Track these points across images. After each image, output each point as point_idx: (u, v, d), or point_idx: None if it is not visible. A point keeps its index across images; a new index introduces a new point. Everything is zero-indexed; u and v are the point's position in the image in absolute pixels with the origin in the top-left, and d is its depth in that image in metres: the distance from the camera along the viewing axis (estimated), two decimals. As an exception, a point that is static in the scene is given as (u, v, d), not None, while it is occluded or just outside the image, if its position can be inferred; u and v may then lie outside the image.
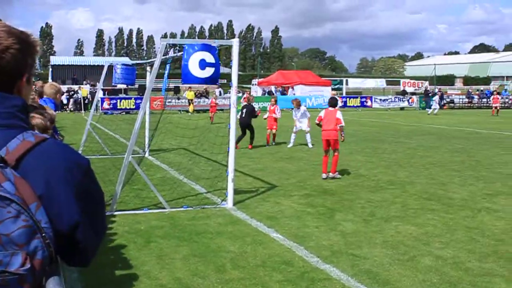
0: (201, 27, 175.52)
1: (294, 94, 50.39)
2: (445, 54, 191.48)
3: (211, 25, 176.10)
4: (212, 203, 10.58)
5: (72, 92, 43.33)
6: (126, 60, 54.64)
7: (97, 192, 1.82)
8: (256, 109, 20.39)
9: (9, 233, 1.52)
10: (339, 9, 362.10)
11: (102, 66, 18.73)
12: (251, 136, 19.48)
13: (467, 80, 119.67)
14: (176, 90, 53.49)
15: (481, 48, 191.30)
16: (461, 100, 54.79)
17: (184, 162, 15.66)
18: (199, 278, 6.59)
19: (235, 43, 10.35)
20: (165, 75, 12.51)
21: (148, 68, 17.40)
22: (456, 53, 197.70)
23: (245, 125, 19.48)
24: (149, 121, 17.23)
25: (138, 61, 34.70)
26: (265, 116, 20.94)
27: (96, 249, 1.82)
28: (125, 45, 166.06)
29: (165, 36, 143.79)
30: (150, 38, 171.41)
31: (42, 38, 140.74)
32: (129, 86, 38.77)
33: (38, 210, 1.59)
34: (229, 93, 11.48)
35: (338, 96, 30.05)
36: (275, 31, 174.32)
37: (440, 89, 59.60)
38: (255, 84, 57.96)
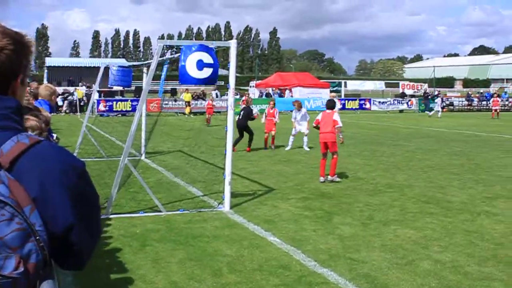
0: (199, 28, 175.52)
1: (291, 96, 50.42)
2: (444, 56, 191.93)
3: (209, 27, 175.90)
4: (209, 206, 10.57)
5: (67, 94, 43.27)
6: (122, 61, 54.61)
7: (92, 194, 1.81)
8: (254, 112, 20.36)
9: (3, 236, 1.52)
10: (337, 10, 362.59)
11: (98, 68, 18.73)
12: (250, 139, 19.45)
13: (467, 83, 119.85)
14: (173, 92, 53.49)
15: (481, 50, 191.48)
16: (460, 102, 54.89)
17: (180, 165, 15.65)
18: (195, 282, 6.58)
19: (232, 44, 10.36)
20: (162, 77, 12.51)
21: (144, 70, 17.38)
22: (456, 55, 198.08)
23: (242, 127, 19.46)
24: (145, 123, 17.23)
25: (134, 63, 34.71)
26: (263, 120, 20.83)
27: (91, 252, 1.81)
28: (121, 46, 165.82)
29: (162, 37, 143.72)
30: (147, 40, 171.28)
31: (37, 39, 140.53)
32: (126, 88, 38.76)
33: (32, 213, 1.58)
34: (227, 95, 11.48)
35: (337, 99, 29.99)
36: (273, 32, 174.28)
37: (439, 91, 59.62)
38: (253, 86, 57.98)
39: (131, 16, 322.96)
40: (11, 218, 1.53)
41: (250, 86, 60.86)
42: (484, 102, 54.57)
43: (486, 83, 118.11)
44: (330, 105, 13.97)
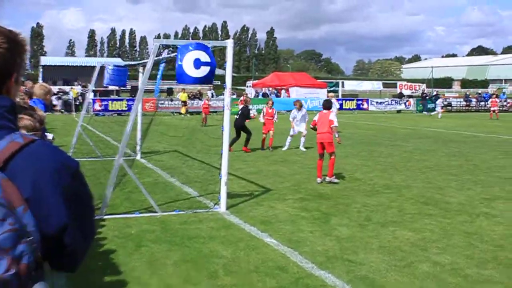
0: (195, 28, 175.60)
1: (288, 96, 50.46)
2: (442, 57, 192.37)
3: (205, 26, 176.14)
4: (205, 207, 10.54)
5: (61, 93, 43.22)
6: (118, 61, 54.72)
7: (86, 195, 1.80)
8: (251, 112, 20.32)
9: (-5, 237, 1.51)
10: (335, 10, 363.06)
11: (94, 67, 18.69)
12: (247, 138, 19.41)
13: (465, 83, 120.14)
14: (169, 91, 53.51)
15: (479, 50, 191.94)
16: (458, 103, 55.03)
17: (176, 165, 15.63)
18: (191, 285, 6.54)
19: (229, 44, 10.34)
20: (158, 76, 12.47)
21: (140, 69, 17.37)
22: (454, 55, 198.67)
23: (239, 127, 19.44)
24: (141, 123, 17.19)
25: (130, 62, 34.66)
26: (262, 120, 20.74)
27: (85, 253, 1.80)
28: (117, 45, 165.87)
29: (158, 36, 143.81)
30: (143, 39, 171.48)
31: (33, 38, 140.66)
32: (121, 88, 38.76)
33: (25, 213, 1.57)
34: (223, 95, 11.46)
35: (335, 99, 30.02)
36: (270, 32, 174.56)
37: (437, 91, 59.74)
38: (250, 86, 58.01)
39: (127, 15, 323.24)
40: (4, 219, 1.51)
41: (247, 86, 60.89)
42: (482, 103, 54.71)
43: (484, 83, 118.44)
44: (327, 105, 13.96)
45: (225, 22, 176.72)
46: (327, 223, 9.53)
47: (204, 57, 9.89)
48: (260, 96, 49.90)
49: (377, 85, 68.02)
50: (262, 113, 20.98)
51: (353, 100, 50.80)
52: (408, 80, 76.70)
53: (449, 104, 53.48)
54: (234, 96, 44.51)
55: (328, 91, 51.51)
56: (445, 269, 7.11)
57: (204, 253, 7.73)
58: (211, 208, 10.42)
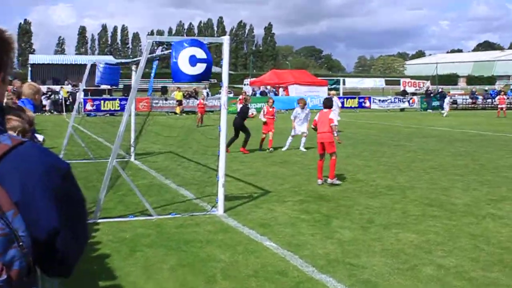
0: (190, 24, 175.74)
1: (286, 94, 50.43)
2: (447, 52, 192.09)
3: (201, 22, 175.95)
4: (202, 210, 10.56)
5: (50, 93, 43.17)
6: (110, 58, 54.54)
7: (77, 197, 1.80)
8: (250, 112, 20.23)
9: (-16, 243, 1.52)
10: (336, 5, 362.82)
11: (85, 65, 18.72)
12: (245, 139, 19.37)
13: (471, 80, 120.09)
14: (164, 90, 53.45)
15: (486, 45, 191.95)
16: (464, 100, 55.01)
17: (172, 166, 15.64)
18: (188, 289, 6.58)
19: (225, 40, 10.36)
20: (152, 75, 12.48)
21: (133, 68, 17.37)
22: (459, 51, 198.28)
23: (238, 126, 19.44)
24: (134, 123, 17.20)
25: (122, 60, 34.60)
26: (264, 119, 20.55)
27: (78, 258, 1.81)
28: (109, 43, 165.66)
29: (151, 33, 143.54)
30: (136, 36, 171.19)
31: (20, 36, 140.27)
32: (113, 87, 38.68)
33: (15, 217, 1.58)
34: (219, 93, 11.48)
35: (336, 97, 29.99)
36: (268, 28, 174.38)
37: (442, 89, 59.76)
38: (247, 84, 57.98)
39: (120, 11, 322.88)
40: (-7, 224, 1.52)
41: (244, 84, 60.86)
42: (489, 100, 54.70)
43: (491, 80, 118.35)
44: (327, 103, 13.93)
45: (221, 17, 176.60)
46: (328, 225, 9.56)
47: (200, 53, 9.90)
48: (258, 95, 49.85)
49: (379, 82, 68.13)
50: (262, 112, 20.84)
51: (354, 98, 50.76)
52: (411, 77, 76.86)
53: (455, 102, 53.42)
54: (231, 95, 44.48)
55: (329, 89, 51.59)
56: (450, 272, 7.15)
57: (201, 257, 7.76)
58: (208, 211, 10.45)
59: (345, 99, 48.58)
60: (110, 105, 40.87)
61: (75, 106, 21.36)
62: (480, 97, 56.52)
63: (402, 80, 62.49)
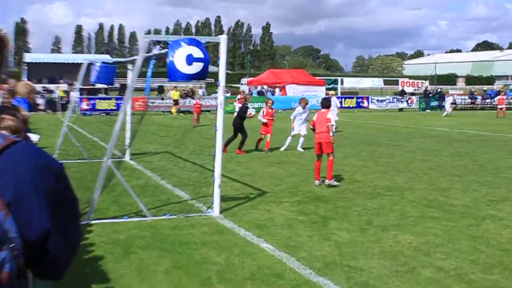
0: (188, 23, 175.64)
1: (282, 94, 50.54)
2: (446, 52, 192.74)
3: (198, 21, 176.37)
4: (197, 211, 10.52)
5: (45, 92, 43.20)
6: (106, 57, 54.61)
7: (70, 198, 1.79)
8: (249, 111, 20.14)
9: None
10: (334, 4, 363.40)
11: (81, 64, 18.67)
12: (242, 141, 19.32)
13: (470, 80, 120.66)
14: (160, 90, 53.57)
15: (485, 45, 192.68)
16: (463, 100, 55.19)
17: (167, 167, 15.61)
18: (182, 292, 6.53)
19: (223, 40, 10.33)
20: (149, 74, 12.46)
21: (130, 67, 17.35)
22: (458, 51, 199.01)
23: (236, 126, 19.44)
24: (130, 123, 17.17)
25: (119, 59, 34.67)
26: (264, 120, 20.21)
27: (70, 260, 1.78)
28: (106, 42, 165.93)
29: (148, 32, 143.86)
30: (133, 35, 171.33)
31: (17, 34, 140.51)
32: (109, 86, 38.70)
33: (7, 219, 1.56)
34: (216, 93, 11.47)
35: (335, 97, 30.07)
36: (266, 27, 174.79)
37: (441, 89, 59.94)
38: (244, 84, 58.12)
39: (117, 10, 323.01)
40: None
41: (242, 84, 61.01)
42: (488, 100, 54.89)
43: (490, 80, 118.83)
44: (326, 103, 13.90)
45: (218, 17, 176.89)
46: (325, 227, 9.52)
47: (197, 53, 9.87)
48: (255, 94, 49.93)
49: (377, 82, 68.35)
50: (261, 113, 20.65)
51: (352, 98, 50.89)
52: (410, 77, 77.02)
53: (454, 102, 53.56)
54: (228, 95, 44.55)
55: (327, 89, 51.73)
56: (449, 275, 7.11)
57: (196, 259, 7.71)
58: (203, 212, 10.41)
59: (343, 99, 48.66)
60: (106, 104, 40.95)
61: (70, 105, 21.37)
62: (479, 97, 56.70)
63: (400, 80, 62.68)
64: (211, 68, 11.61)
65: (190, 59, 9.79)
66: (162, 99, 43.74)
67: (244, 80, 61.38)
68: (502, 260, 7.70)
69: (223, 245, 8.38)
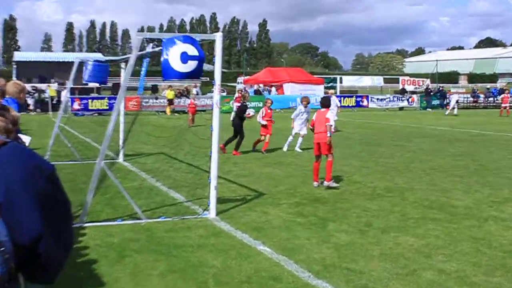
0: (182, 20, 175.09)
1: (278, 93, 50.43)
2: (448, 49, 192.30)
3: (193, 18, 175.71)
4: (193, 213, 10.53)
5: (34, 91, 43.07)
6: (98, 56, 54.51)
7: (62, 200, 1.78)
8: (248, 111, 19.88)
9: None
10: (333, 0, 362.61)
11: (72, 63, 18.63)
12: (238, 141, 19.23)
13: (472, 78, 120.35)
14: (154, 89, 53.39)
15: (487, 42, 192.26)
16: (465, 99, 55.12)
17: (162, 168, 15.59)
18: (178, 296, 6.55)
19: (218, 37, 10.33)
20: (142, 73, 12.43)
21: (123, 65, 17.31)
22: (460, 48, 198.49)
23: (235, 126, 19.41)
24: (123, 123, 17.15)
25: (112, 57, 34.54)
26: (264, 122, 19.98)
27: (62, 264, 1.78)
28: (97, 39, 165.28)
29: (141, 30, 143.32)
30: (126, 32, 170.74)
31: (5, 32, 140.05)
32: (102, 85, 38.58)
33: (-3, 222, 1.55)
34: (212, 92, 11.45)
35: (335, 96, 30.02)
36: (263, 24, 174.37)
37: (442, 87, 59.88)
38: (241, 82, 57.96)
39: (108, 7, 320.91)
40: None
41: (238, 82, 60.84)
42: (491, 99, 54.86)
43: (493, 78, 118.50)
44: (325, 103, 13.86)
45: (214, 13, 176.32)
46: (324, 229, 9.54)
47: (192, 50, 9.87)
48: (252, 93, 49.81)
49: (377, 81, 68.18)
50: (260, 114, 20.31)
51: (352, 96, 50.85)
52: (411, 75, 76.90)
53: (456, 101, 53.54)
54: (224, 94, 44.45)
55: (326, 87, 51.61)
56: (451, 277, 7.13)
57: (192, 262, 7.73)
58: (199, 214, 10.41)
59: (342, 98, 48.60)
60: (99, 104, 40.88)
61: (62, 105, 21.31)
62: (482, 95, 56.65)
63: (401, 78, 62.59)
64: (207, 67, 11.60)
65: (184, 57, 9.79)
66: (156, 98, 43.65)
67: (241, 79, 61.20)
68: (505, 262, 7.73)
69: (219, 248, 8.39)
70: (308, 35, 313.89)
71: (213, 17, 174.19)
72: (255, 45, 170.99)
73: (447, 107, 48.72)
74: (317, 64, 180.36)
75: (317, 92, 48.94)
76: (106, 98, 41.63)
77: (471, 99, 54.98)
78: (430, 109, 50.25)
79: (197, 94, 42.73)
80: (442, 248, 8.40)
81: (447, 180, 14.18)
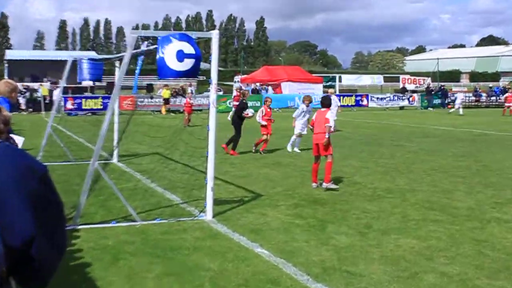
0: (178, 17, 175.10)
1: (274, 92, 50.46)
2: (449, 47, 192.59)
3: (189, 16, 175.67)
4: (189, 215, 10.52)
5: (25, 91, 43.04)
6: (92, 54, 54.48)
7: (55, 201, 1.77)
8: (246, 110, 19.78)
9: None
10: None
11: (65, 61, 18.62)
12: (235, 140, 19.26)
13: (474, 76, 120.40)
14: (149, 88, 53.39)
15: (489, 40, 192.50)
16: (467, 98, 55.16)
17: (157, 169, 15.58)
18: (174, 300, 6.54)
19: (214, 35, 10.33)
20: (137, 71, 12.44)
21: (117, 64, 17.31)
22: (462, 46, 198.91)
23: (234, 124, 19.41)
24: (118, 123, 17.14)
25: (106, 56, 34.51)
26: (264, 123, 19.88)
27: (55, 267, 1.77)
28: (91, 37, 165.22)
29: (136, 27, 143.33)
30: (120, 30, 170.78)
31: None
32: (96, 84, 38.55)
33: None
34: (208, 91, 11.45)
35: (335, 95, 30.02)
36: (260, 22, 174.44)
37: (443, 86, 59.95)
38: (238, 81, 57.96)
39: (102, 4, 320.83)
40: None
41: (235, 81, 60.85)
42: (493, 98, 54.91)
43: (496, 76, 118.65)
44: (326, 102, 13.78)
45: (210, 11, 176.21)
46: (323, 231, 9.53)
47: (188, 48, 9.87)
48: (250, 93, 49.82)
49: (377, 79, 68.21)
50: (260, 113, 20.22)
51: (351, 96, 50.92)
52: (411, 74, 76.85)
53: (461, 100, 53.64)
54: (221, 93, 44.44)
55: (324, 86, 51.62)
56: (453, 280, 7.13)
57: (188, 265, 7.72)
58: (196, 216, 10.41)
59: (341, 97, 48.61)
60: (92, 103, 40.89)
61: (55, 105, 21.30)
62: (484, 94, 56.71)
63: (401, 76, 62.70)
64: (203, 65, 11.59)
65: (180, 55, 9.78)
66: (152, 97, 43.63)
67: (238, 78, 61.14)
68: (509, 265, 7.73)
69: (216, 251, 8.38)
70: (306, 33, 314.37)
71: (209, 15, 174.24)
72: (252, 43, 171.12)
73: (449, 106, 48.82)
74: (316, 62, 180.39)
75: (315, 91, 48.93)
76: (100, 98, 41.65)
77: (473, 98, 55.03)
78: (431, 108, 50.30)
79: (192, 93, 42.74)
80: (444, 251, 8.40)
81: (448, 181, 14.18)
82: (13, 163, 1.67)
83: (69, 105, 39.90)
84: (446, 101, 51.73)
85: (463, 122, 34.35)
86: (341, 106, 45.71)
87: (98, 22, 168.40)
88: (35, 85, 46.60)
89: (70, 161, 16.98)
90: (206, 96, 38.22)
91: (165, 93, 42.16)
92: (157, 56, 9.91)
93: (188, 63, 9.85)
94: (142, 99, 42.59)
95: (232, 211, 10.88)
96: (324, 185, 12.97)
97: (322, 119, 13.13)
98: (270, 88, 52.30)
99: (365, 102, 49.82)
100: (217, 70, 10.53)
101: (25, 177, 1.67)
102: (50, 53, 69.81)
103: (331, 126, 13.22)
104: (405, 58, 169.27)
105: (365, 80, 69.74)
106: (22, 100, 41.80)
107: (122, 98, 33.76)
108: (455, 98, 49.26)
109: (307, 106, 19.82)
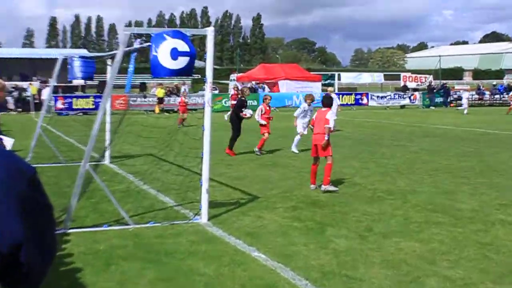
0: (172, 14, 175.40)
1: (270, 91, 50.47)
2: (451, 44, 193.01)
3: (183, 12, 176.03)
4: (183, 218, 10.51)
5: (13, 89, 43.00)
6: (83, 52, 54.53)
7: (45, 204, 1.77)
8: (244, 111, 19.67)
9: None
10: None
11: (56, 60, 18.60)
12: (232, 138, 19.23)
13: (477, 74, 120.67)
14: (142, 87, 53.41)
15: (493, 37, 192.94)
16: (470, 96, 55.23)
17: (151, 170, 15.57)
18: (168, 306, 6.53)
19: (209, 32, 10.32)
20: (130, 70, 12.44)
21: (109, 62, 17.29)
22: (465, 42, 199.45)
23: (231, 122, 19.40)
24: (110, 122, 17.12)
25: (97, 54, 34.53)
26: (263, 122, 19.88)
27: (45, 273, 1.76)
28: (82, 35, 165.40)
29: (129, 24, 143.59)
30: (112, 27, 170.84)
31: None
32: (87, 83, 38.53)
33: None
34: (203, 90, 11.45)
35: (334, 94, 30.04)
36: (257, 18, 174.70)
37: (446, 84, 60.05)
38: (234, 80, 57.98)
39: (94, 0, 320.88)
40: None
41: (231, 80, 60.87)
42: (497, 96, 55.00)
43: (499, 74, 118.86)
44: (327, 102, 13.70)
45: (205, 7, 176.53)
46: (322, 234, 9.53)
47: (183, 46, 9.87)
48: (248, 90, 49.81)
49: (378, 77, 68.21)
50: (259, 112, 20.17)
51: (351, 94, 50.98)
52: (413, 71, 77.16)
53: (459, 98, 53.66)
54: (216, 92, 44.46)
55: (323, 85, 51.64)
56: (456, 285, 7.13)
57: (183, 270, 7.71)
58: (190, 219, 10.40)
59: (341, 96, 48.62)
60: (84, 103, 40.87)
61: (45, 105, 21.28)
62: (487, 92, 56.79)
63: (402, 74, 62.74)
64: (198, 63, 11.61)
65: (175, 53, 9.78)
66: (145, 97, 43.63)
67: (234, 76, 61.19)
68: (513, 268, 7.74)
69: (211, 255, 8.37)
70: (304, 29, 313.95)
71: (205, 11, 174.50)
72: (248, 41, 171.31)
73: (451, 105, 48.87)
74: (314, 60, 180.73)
75: (314, 89, 48.89)
76: (92, 97, 41.62)
77: (477, 96, 55.12)
78: (433, 107, 50.36)
79: (185, 91, 42.77)
80: (447, 254, 8.40)
81: (451, 182, 14.19)
82: (2, 165, 1.66)
83: (60, 105, 39.86)
84: (449, 100, 51.78)
85: (465, 121, 34.41)
86: (341, 105, 45.99)
87: (89, 19, 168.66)
88: (24, 84, 46.55)
89: (61, 163, 16.95)
90: (201, 95, 38.23)
91: (160, 92, 42.14)
92: (151, 54, 9.90)
93: (182, 61, 9.84)
94: (135, 98, 42.57)
95: (228, 214, 10.87)
96: (323, 187, 12.93)
97: (322, 119, 13.07)
98: (266, 86, 52.25)
99: (365, 101, 49.86)
100: (213, 68, 10.52)
101: (14, 179, 1.66)
102: (40, 51, 69.88)
103: (330, 127, 13.14)
104: (406, 56, 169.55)
105: (365, 78, 69.75)
106: (10, 100, 41.73)
107: (114, 97, 33.74)
108: (459, 97, 49.39)
109: (309, 105, 19.79)
